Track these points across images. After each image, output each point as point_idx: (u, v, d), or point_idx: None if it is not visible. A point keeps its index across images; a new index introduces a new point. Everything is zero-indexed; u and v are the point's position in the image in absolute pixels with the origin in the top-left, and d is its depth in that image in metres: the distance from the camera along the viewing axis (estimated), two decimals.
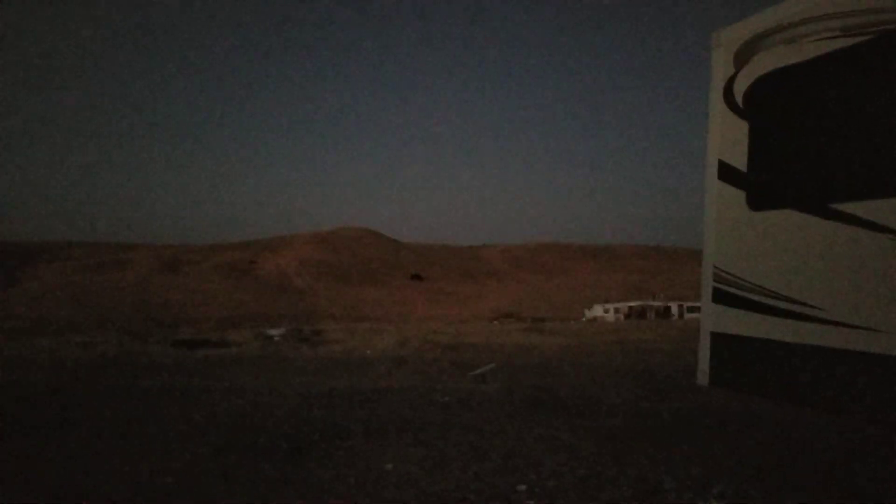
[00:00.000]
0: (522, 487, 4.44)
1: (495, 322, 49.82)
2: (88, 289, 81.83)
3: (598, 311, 56.45)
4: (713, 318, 4.29)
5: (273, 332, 31.96)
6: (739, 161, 3.96)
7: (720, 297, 4.17)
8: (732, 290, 4.15)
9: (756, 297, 3.96)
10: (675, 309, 56.57)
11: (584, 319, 53.63)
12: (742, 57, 3.95)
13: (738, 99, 3.97)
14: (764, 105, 3.87)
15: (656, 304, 58.73)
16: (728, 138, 4.02)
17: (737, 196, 3.98)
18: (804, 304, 3.69)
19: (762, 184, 3.92)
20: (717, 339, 4.33)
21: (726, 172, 3.98)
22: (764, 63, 3.85)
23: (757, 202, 3.94)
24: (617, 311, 55.51)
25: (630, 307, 56.20)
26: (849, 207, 3.39)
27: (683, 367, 12.16)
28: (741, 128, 3.92)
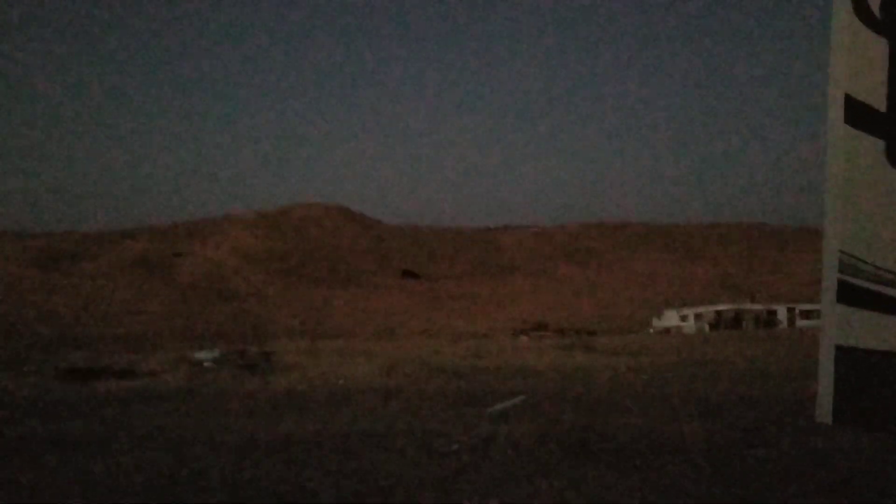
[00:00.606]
0: None
1: (522, 336, 49.78)
2: None
3: (671, 318, 56.44)
4: (839, 327, 4.27)
5: (204, 355, 31.99)
6: (877, 97, 3.91)
7: (849, 295, 4.14)
8: (867, 284, 4.12)
9: None
10: (782, 314, 56.56)
11: (651, 331, 53.66)
12: None
13: (875, 7, 3.93)
14: None
15: (755, 307, 58.75)
16: (860, 65, 3.97)
17: (873, 147, 3.94)
18: None
19: None
20: (845, 356, 4.32)
21: (857, 113, 3.94)
22: None
23: None
24: (699, 318, 55.52)
25: (718, 313, 56.22)
26: None
27: (795, 397, 12.17)
28: (880, 49, 3.88)
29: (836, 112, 4.08)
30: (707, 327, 53.10)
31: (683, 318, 55.41)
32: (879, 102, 3.93)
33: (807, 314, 53.42)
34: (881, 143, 3.93)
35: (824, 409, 4.86)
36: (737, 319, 55.11)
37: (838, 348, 4.57)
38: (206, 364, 28.65)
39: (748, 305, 59.19)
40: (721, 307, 58.05)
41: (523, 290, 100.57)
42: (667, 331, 52.22)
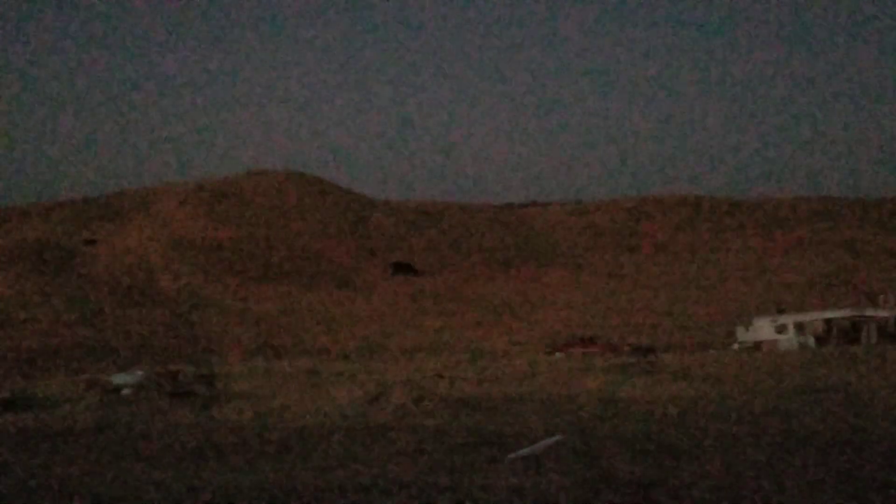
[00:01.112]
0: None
1: (558, 354, 49.58)
2: None
3: (763, 330, 56.24)
4: None
5: (121, 379, 32.04)
6: None
7: None
8: None
9: None
10: None
11: (735, 347, 53.42)
12: None
13: None
14: None
15: (881, 314, 58.57)
16: None
17: None
18: None
19: None
20: None
21: None
22: None
23: None
24: (801, 328, 55.31)
25: (828, 322, 56.03)
26: None
27: None
28: None
29: None
30: (813, 341, 52.81)
31: (780, 330, 55.20)
32: None
33: None
34: None
35: None
36: (855, 330, 54.80)
37: None
38: (123, 391, 28.73)
39: (870, 311, 58.91)
40: (832, 314, 57.73)
41: (559, 290, 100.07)
42: (757, 346, 51.94)
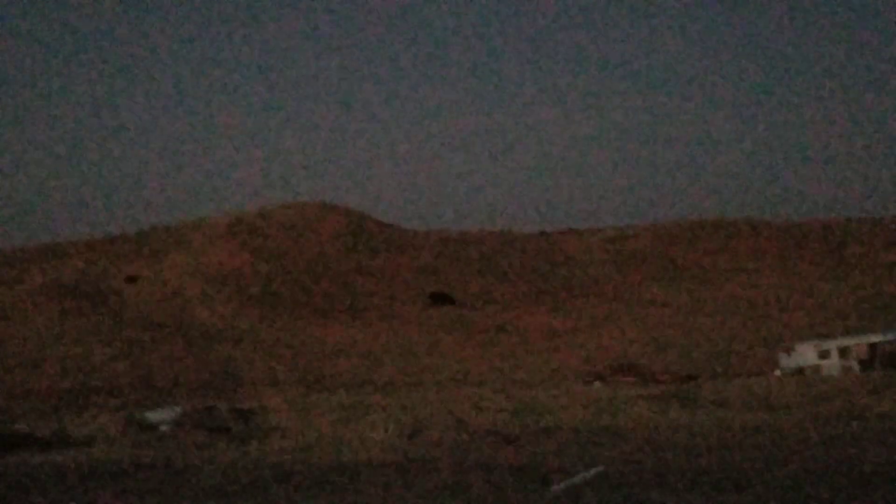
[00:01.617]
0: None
1: (597, 383, 49.45)
2: None
3: (807, 355, 55.76)
4: None
5: (159, 416, 32.11)
6: None
7: None
8: None
9: None
10: None
11: (777, 373, 53.04)
12: None
13: None
14: None
15: None
16: None
17: None
18: None
19: None
20: None
21: None
22: None
23: None
24: (846, 353, 54.81)
25: (872, 346, 55.51)
26: None
27: None
28: None
29: None
30: (858, 366, 52.37)
31: (823, 355, 54.74)
32: None
33: None
34: None
35: None
36: None
37: None
38: (161, 428, 28.77)
39: None
40: (878, 338, 57.20)
41: (596, 319, 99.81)
42: (800, 372, 51.55)
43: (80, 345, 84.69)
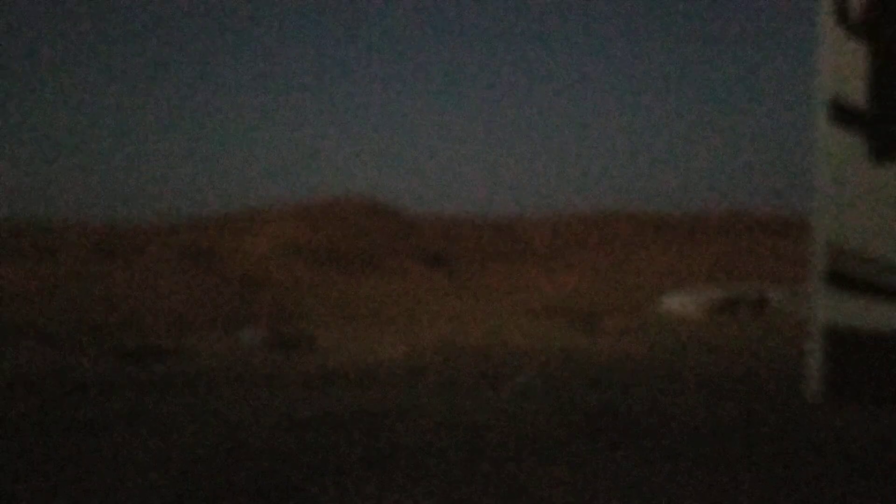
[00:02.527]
0: None
1: (538, 319, 49.74)
2: (3, 286, 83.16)
3: (673, 303, 56.00)
4: (827, 309, 4.26)
5: (247, 337, 32.18)
6: (858, 100, 3.90)
7: (836, 280, 4.14)
8: (853, 270, 4.11)
9: (886, 279, 3.93)
10: (775, 299, 56.06)
11: (655, 314, 53.34)
12: None
13: (856, 16, 3.90)
14: (891, 20, 3.81)
15: (751, 292, 58.32)
16: (843, 69, 3.96)
17: (856, 145, 3.93)
18: None
19: (890, 126, 3.87)
20: (833, 336, 4.31)
21: (841, 114, 3.93)
22: None
23: (884, 152, 3.89)
24: (699, 302, 55.15)
25: (715, 297, 55.86)
26: None
27: (788, 374, 12.11)
28: (861, 55, 3.86)
29: (822, 113, 4.09)
30: (706, 311, 52.73)
31: (684, 303, 55.10)
32: (861, 104, 3.93)
33: (795, 298, 52.86)
34: (863, 141, 3.94)
35: (815, 385, 4.85)
36: (734, 304, 54.70)
37: (827, 330, 4.56)
38: (248, 344, 28.89)
39: (744, 290, 58.76)
40: (719, 292, 57.61)
41: (541, 277, 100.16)
42: (669, 314, 51.92)
43: (192, 290, 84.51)
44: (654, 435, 7.07)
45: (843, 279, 4.20)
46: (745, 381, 12.08)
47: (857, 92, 3.94)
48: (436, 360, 20.97)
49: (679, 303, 55.56)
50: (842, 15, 3.95)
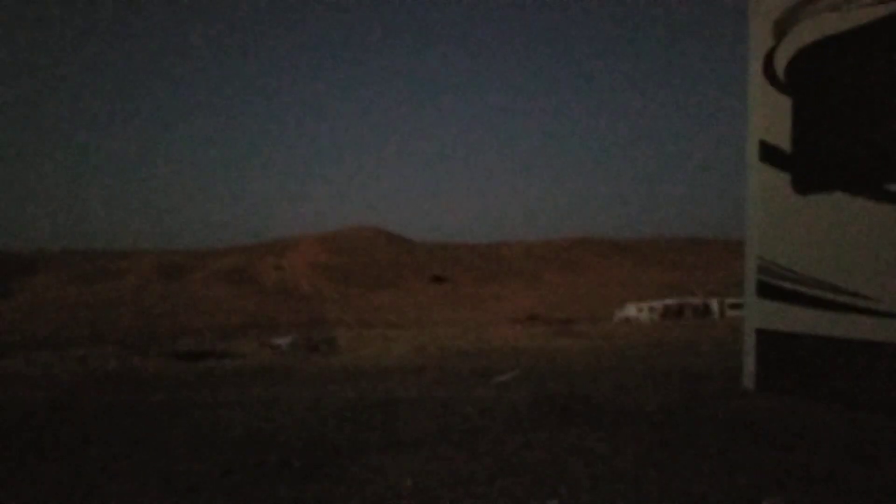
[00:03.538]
0: (554, 502, 4.43)
1: (519, 325, 49.80)
2: (84, 300, 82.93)
3: (630, 310, 56.07)
4: (758, 315, 4.23)
5: (280, 341, 32.17)
6: (783, 141, 3.90)
7: (765, 290, 4.11)
8: (779, 282, 4.09)
9: (806, 290, 3.90)
10: (714, 306, 56.10)
11: (615, 320, 53.37)
12: (783, 26, 3.89)
13: (780, 73, 3.91)
14: (809, 79, 3.81)
15: (694, 301, 58.31)
16: (770, 117, 3.96)
17: (781, 179, 3.92)
18: (859, 296, 3.63)
19: (809, 165, 3.86)
20: (763, 337, 4.27)
21: (769, 154, 3.93)
22: (808, 32, 3.78)
23: (804, 185, 3.88)
24: (651, 310, 55.11)
25: (666, 305, 55.79)
26: None
27: (727, 369, 12.05)
28: (784, 104, 3.86)
29: (753, 152, 4.10)
30: (657, 317, 52.72)
31: (639, 311, 55.03)
32: (786, 145, 3.94)
33: (734, 306, 52.85)
34: (787, 176, 3.94)
35: (749, 378, 4.79)
36: (680, 311, 54.70)
37: (758, 332, 4.51)
38: (282, 347, 28.77)
39: (689, 299, 58.73)
40: (668, 301, 57.59)
41: (520, 291, 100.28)
42: (627, 320, 51.91)
43: (237, 302, 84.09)
44: (611, 413, 7.03)
45: (771, 290, 4.17)
46: (691, 374, 12.00)
47: (782, 136, 3.93)
48: (436, 358, 20.93)
49: (635, 310, 55.57)
50: (768, 73, 3.96)
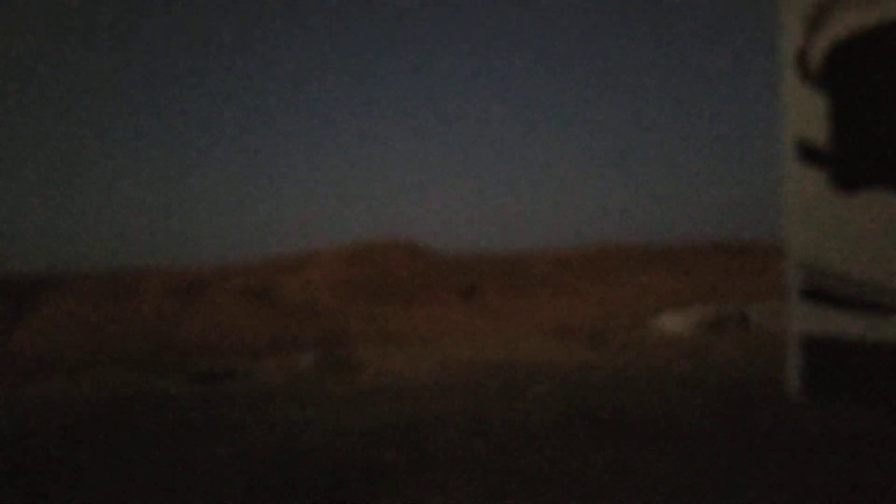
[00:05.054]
0: None
1: (549, 338, 49.44)
2: (100, 322, 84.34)
3: (666, 320, 55.53)
4: (801, 320, 4.22)
5: (302, 359, 32.33)
6: (819, 139, 3.90)
7: (808, 294, 4.10)
8: (821, 285, 4.08)
9: (851, 292, 3.89)
10: (753, 314, 55.34)
11: (651, 330, 52.82)
12: (816, 19, 3.90)
13: (815, 68, 3.92)
14: (846, 73, 3.82)
15: (731, 309, 57.63)
16: (805, 114, 3.97)
17: (818, 178, 3.92)
18: None
19: (848, 163, 3.86)
20: (808, 343, 4.26)
21: (805, 153, 3.94)
22: (844, 25, 3.80)
23: (843, 183, 3.88)
24: (688, 319, 54.59)
25: (702, 314, 55.22)
26: None
27: (770, 378, 11.91)
28: (820, 101, 3.87)
29: (789, 151, 4.11)
30: (694, 326, 52.15)
31: (675, 321, 54.54)
32: (821, 143, 3.94)
33: (772, 314, 52.13)
34: (824, 175, 3.95)
35: (794, 386, 4.76)
36: (717, 319, 54.10)
37: (802, 337, 4.50)
38: (303, 365, 28.90)
39: (726, 307, 58.13)
40: (705, 309, 57.00)
41: (549, 302, 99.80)
42: (662, 331, 51.45)
43: (256, 320, 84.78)
44: (650, 427, 7.00)
45: (815, 294, 4.16)
46: (732, 385, 11.88)
47: (818, 134, 3.94)
48: (465, 374, 20.88)
49: (671, 322, 54.94)
50: (802, 69, 3.97)
